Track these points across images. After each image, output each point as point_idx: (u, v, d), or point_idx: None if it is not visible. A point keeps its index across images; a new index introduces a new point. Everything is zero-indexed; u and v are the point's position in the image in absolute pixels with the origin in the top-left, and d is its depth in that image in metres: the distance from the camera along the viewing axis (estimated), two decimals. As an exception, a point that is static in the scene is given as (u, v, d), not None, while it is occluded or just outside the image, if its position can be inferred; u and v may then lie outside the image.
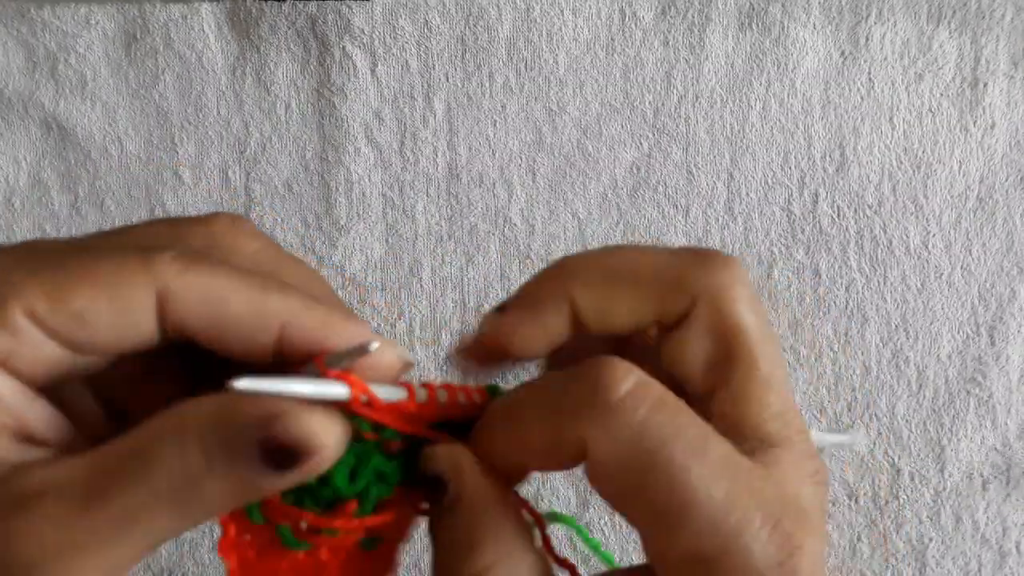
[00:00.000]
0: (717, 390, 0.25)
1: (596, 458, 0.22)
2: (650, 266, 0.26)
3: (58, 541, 0.21)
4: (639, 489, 0.22)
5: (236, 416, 0.21)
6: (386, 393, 0.23)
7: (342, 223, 0.50)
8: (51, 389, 0.23)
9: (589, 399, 0.22)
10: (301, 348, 0.23)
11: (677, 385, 0.25)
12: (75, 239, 0.24)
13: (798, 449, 0.24)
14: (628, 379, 0.22)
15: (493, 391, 0.26)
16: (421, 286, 0.51)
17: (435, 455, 0.24)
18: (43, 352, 0.22)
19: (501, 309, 0.27)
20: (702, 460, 0.22)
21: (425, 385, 0.24)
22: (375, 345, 0.22)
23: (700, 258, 0.26)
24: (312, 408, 0.21)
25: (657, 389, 0.23)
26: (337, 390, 0.22)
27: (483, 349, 0.27)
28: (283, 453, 0.21)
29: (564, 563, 0.26)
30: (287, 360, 0.23)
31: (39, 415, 0.23)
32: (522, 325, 0.26)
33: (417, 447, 0.24)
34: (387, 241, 0.51)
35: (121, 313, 0.22)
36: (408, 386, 0.24)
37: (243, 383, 0.20)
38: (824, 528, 0.24)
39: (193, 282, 0.22)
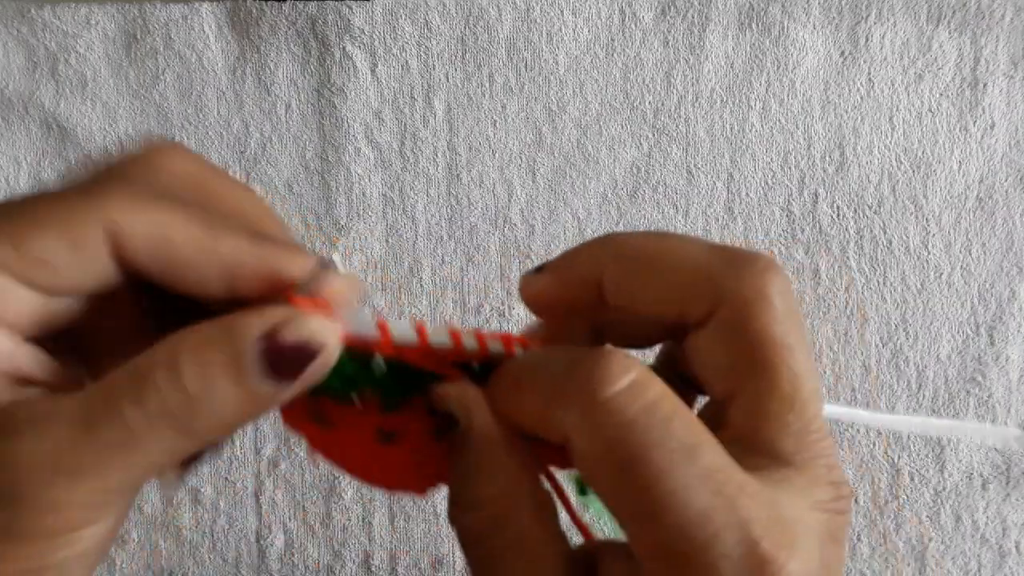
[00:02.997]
0: (733, 398, 0.24)
1: (576, 449, 0.23)
2: (681, 259, 0.25)
3: (53, 464, 0.21)
4: (615, 486, 0.22)
5: (241, 328, 0.22)
6: (400, 331, 0.25)
7: (342, 223, 0.51)
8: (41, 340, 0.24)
9: (580, 390, 0.23)
10: (252, 286, 0.23)
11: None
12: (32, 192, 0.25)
13: (814, 473, 0.24)
14: (624, 377, 0.22)
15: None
16: (421, 286, 0.51)
17: (445, 393, 0.26)
18: (18, 298, 0.22)
19: (538, 269, 0.27)
20: (685, 469, 0.22)
21: (452, 332, 0.26)
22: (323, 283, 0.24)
23: (735, 258, 0.25)
24: (309, 312, 0.23)
25: (653, 389, 0.23)
26: (369, 328, 0.25)
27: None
28: (287, 361, 0.22)
29: (577, 523, 0.28)
30: (241, 298, 0.24)
31: (31, 359, 0.23)
32: (548, 290, 0.27)
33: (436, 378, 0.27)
34: (387, 241, 0.51)
35: (76, 250, 0.22)
36: (422, 329, 0.26)
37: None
38: (829, 549, 0.23)
39: (139, 218, 0.22)
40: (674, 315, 0.25)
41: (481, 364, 0.27)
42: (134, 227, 0.22)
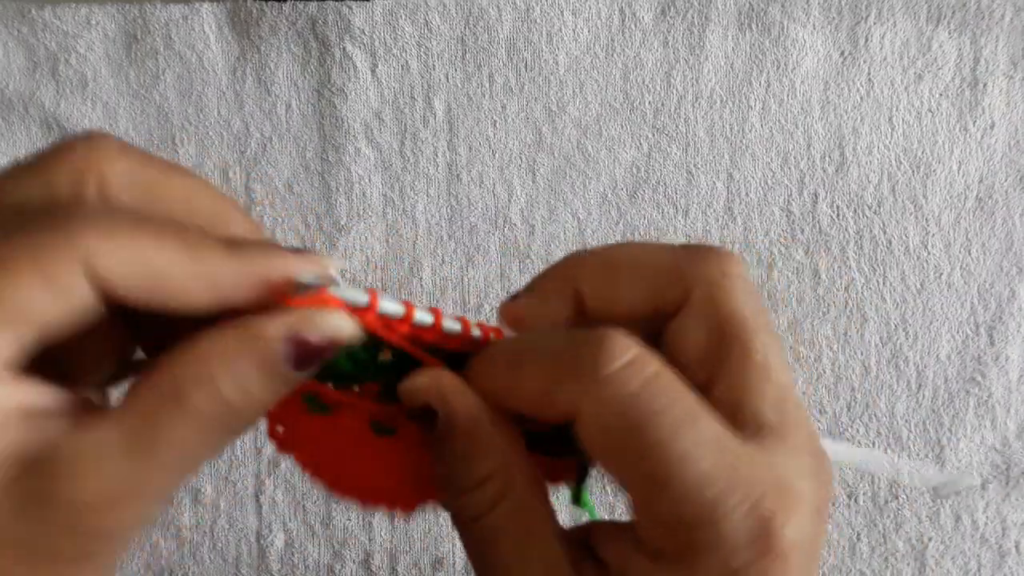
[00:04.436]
0: (714, 378, 0.25)
1: (584, 422, 0.24)
2: (649, 258, 0.27)
3: (111, 495, 0.22)
4: (623, 454, 0.23)
5: (265, 336, 0.23)
6: (391, 307, 0.25)
7: (342, 223, 0.51)
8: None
9: (585, 367, 0.24)
10: (240, 299, 0.24)
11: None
12: None
13: (795, 442, 0.25)
14: (626, 353, 0.24)
15: None
16: (421, 286, 0.51)
17: (416, 384, 0.26)
18: (5, 342, 0.22)
19: (514, 296, 0.28)
20: (687, 434, 0.23)
21: (433, 310, 0.26)
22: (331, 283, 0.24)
23: (696, 250, 0.26)
24: (324, 310, 0.24)
25: (653, 364, 0.24)
26: (362, 298, 0.24)
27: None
28: (311, 354, 0.23)
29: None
30: (228, 309, 0.24)
31: (35, 393, 0.23)
32: (531, 310, 0.28)
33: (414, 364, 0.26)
34: (387, 241, 0.51)
35: (56, 296, 0.22)
36: (408, 306, 0.25)
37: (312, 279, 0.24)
38: (817, 520, 0.24)
39: (119, 253, 0.22)
40: (651, 310, 0.26)
41: (452, 353, 0.27)
42: (115, 264, 0.22)
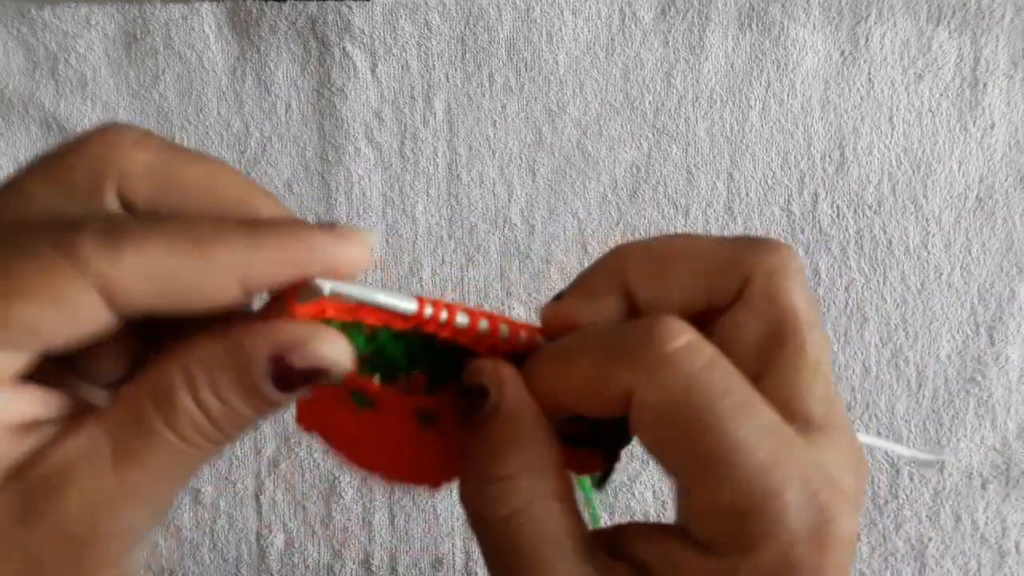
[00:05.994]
0: (766, 372, 0.25)
1: (641, 405, 0.23)
2: (703, 250, 0.26)
3: (101, 503, 0.22)
4: (682, 439, 0.23)
5: (248, 352, 0.22)
6: (459, 318, 0.25)
7: (342, 223, 0.50)
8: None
9: (641, 348, 0.23)
10: (263, 286, 0.23)
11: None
12: None
13: (840, 438, 0.25)
14: (682, 335, 0.23)
15: None
16: (421, 286, 0.51)
17: (480, 367, 0.26)
18: (10, 359, 0.22)
19: (558, 297, 0.27)
20: (749, 420, 0.22)
21: (489, 316, 0.26)
22: (328, 287, 0.23)
23: (754, 243, 0.26)
24: (318, 332, 0.23)
25: (711, 349, 0.23)
26: (408, 305, 0.24)
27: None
28: (295, 377, 0.22)
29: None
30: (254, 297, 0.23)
31: (31, 401, 0.23)
32: (578, 310, 0.27)
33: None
34: (387, 241, 0.51)
35: (66, 315, 0.21)
36: (472, 314, 0.26)
37: (332, 286, 0.22)
38: (857, 516, 0.24)
39: (130, 267, 0.21)
40: (704, 303, 0.26)
41: (511, 354, 0.27)
42: (127, 277, 0.21)
